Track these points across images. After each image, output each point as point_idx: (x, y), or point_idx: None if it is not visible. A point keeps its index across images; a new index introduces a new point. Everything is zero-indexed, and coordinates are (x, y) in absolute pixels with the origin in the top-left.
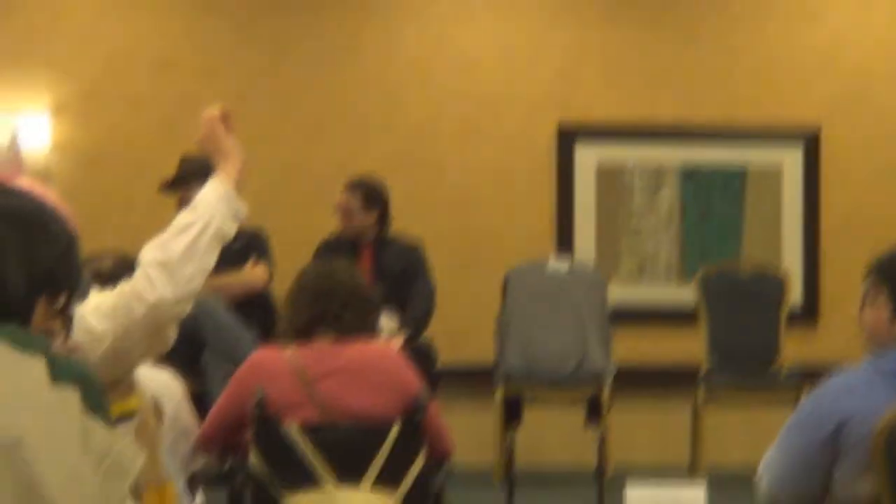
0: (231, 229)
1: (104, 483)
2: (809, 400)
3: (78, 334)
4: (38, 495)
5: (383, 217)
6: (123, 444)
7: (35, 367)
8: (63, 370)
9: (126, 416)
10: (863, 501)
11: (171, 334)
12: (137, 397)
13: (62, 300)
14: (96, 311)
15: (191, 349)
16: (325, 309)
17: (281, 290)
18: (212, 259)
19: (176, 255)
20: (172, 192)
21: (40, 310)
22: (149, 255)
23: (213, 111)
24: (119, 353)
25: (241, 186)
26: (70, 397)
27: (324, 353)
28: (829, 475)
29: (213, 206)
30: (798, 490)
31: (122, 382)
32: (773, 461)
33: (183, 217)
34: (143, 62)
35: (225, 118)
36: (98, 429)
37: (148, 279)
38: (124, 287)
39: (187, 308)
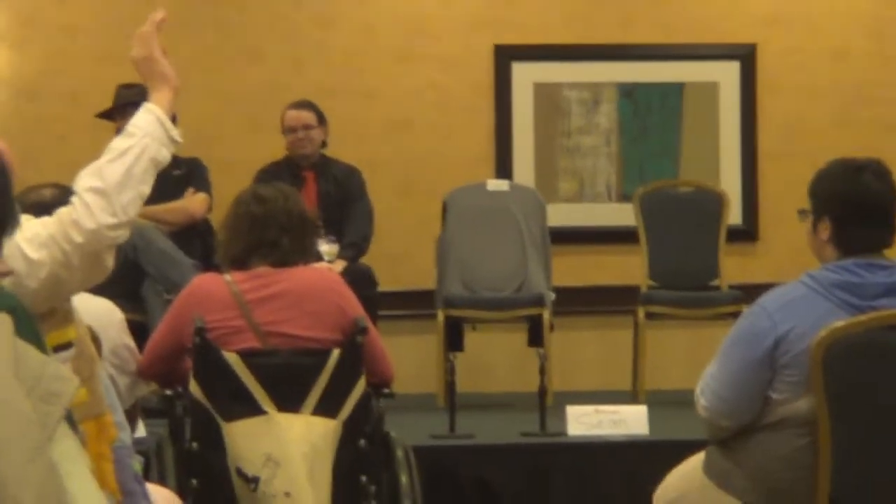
0: (166, 155)
1: (37, 406)
2: (746, 316)
3: (14, 262)
4: None
5: (325, 138)
6: (56, 368)
7: None
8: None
9: (63, 346)
10: (801, 419)
11: (109, 262)
12: (74, 327)
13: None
14: (34, 239)
15: (130, 278)
16: (261, 236)
17: (220, 218)
18: (148, 185)
19: (112, 182)
20: (109, 121)
21: None
22: (85, 181)
23: (154, 16)
24: (57, 281)
25: (175, 110)
26: (2, 321)
27: (262, 280)
28: (766, 392)
29: (148, 132)
30: (737, 406)
31: (58, 311)
32: (711, 378)
33: (118, 142)
34: None
35: (160, 25)
36: (30, 354)
37: (85, 206)
38: (61, 215)
39: (125, 235)
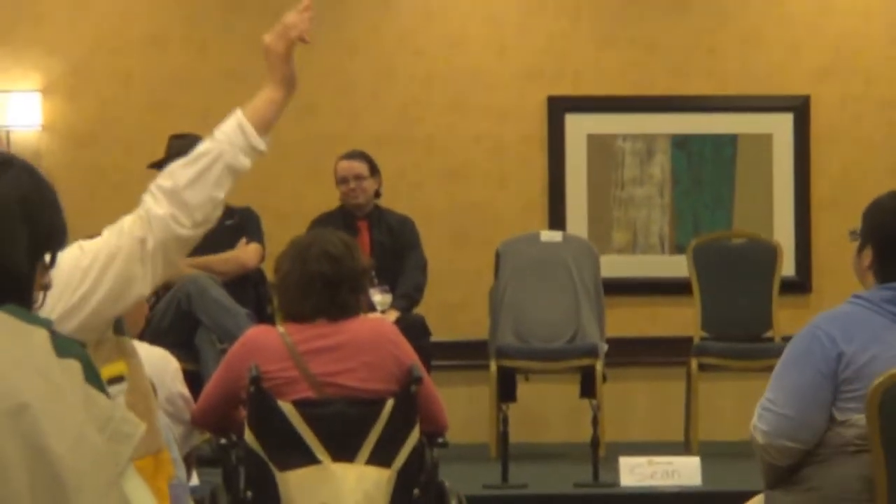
0: (245, 163)
1: (108, 445)
2: (800, 339)
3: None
4: (47, 459)
5: (379, 188)
6: (124, 412)
7: (40, 337)
8: (63, 345)
9: (115, 380)
10: (862, 442)
11: (177, 260)
12: (126, 361)
13: (49, 258)
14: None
15: (184, 328)
16: (332, 298)
17: (272, 267)
18: (222, 190)
19: (182, 182)
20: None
21: (40, 269)
22: (157, 181)
23: (299, 28)
24: (128, 278)
25: (277, 116)
26: (73, 366)
27: (318, 331)
28: (830, 409)
29: (229, 138)
30: (802, 423)
31: (108, 343)
32: (769, 402)
33: (201, 146)
34: (132, 38)
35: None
36: (100, 397)
37: (154, 197)
38: (125, 219)
39: (194, 236)
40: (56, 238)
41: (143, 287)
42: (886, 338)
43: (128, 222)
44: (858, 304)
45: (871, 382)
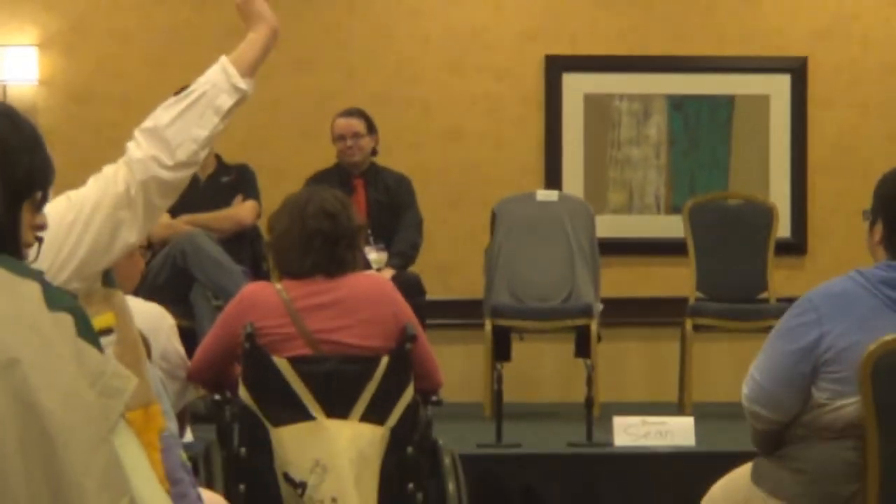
0: (227, 102)
1: (99, 400)
2: (793, 308)
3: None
4: (37, 413)
5: (376, 147)
6: (115, 366)
7: (31, 290)
8: (55, 297)
9: (103, 332)
10: (844, 425)
11: (162, 206)
12: (115, 313)
13: (39, 196)
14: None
15: (180, 284)
16: (332, 253)
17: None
18: (205, 129)
19: (164, 122)
20: None
21: (26, 214)
22: (141, 124)
23: None
24: (117, 223)
25: (264, 56)
26: (64, 320)
27: (315, 288)
28: (808, 387)
29: (211, 79)
30: (775, 396)
31: (97, 294)
32: (754, 368)
33: (186, 90)
34: None
35: None
36: (91, 351)
37: (135, 141)
38: (108, 168)
39: (175, 177)
40: (39, 179)
41: (131, 234)
42: (874, 323)
43: (111, 170)
44: (856, 280)
45: (849, 366)
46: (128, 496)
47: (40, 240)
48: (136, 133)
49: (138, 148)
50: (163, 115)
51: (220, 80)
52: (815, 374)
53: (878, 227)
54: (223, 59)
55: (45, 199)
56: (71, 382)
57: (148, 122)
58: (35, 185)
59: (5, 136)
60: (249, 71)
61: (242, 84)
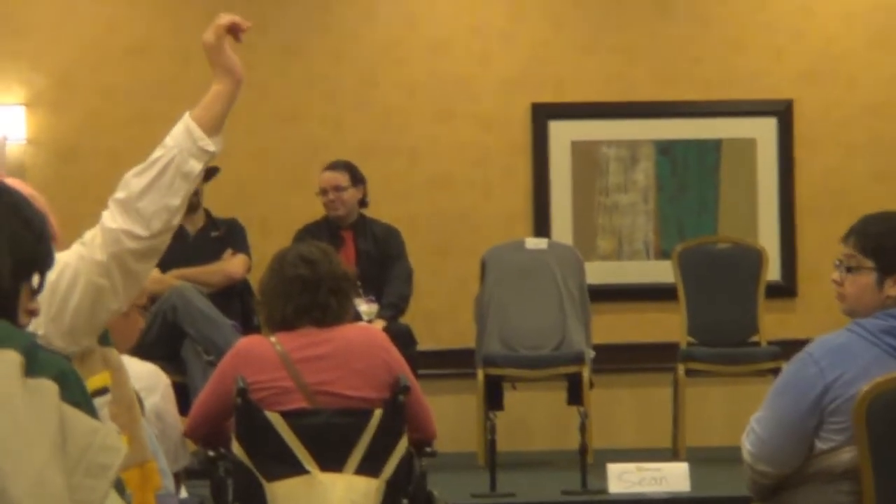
0: (195, 167)
1: (83, 482)
2: (793, 363)
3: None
4: (6, 501)
5: (364, 198)
6: (104, 437)
7: (7, 360)
8: (43, 364)
9: (99, 392)
10: (842, 470)
11: (143, 274)
12: (111, 373)
13: (36, 280)
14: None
15: (170, 339)
16: (313, 299)
17: (259, 278)
18: (177, 198)
19: (135, 191)
20: None
21: (24, 294)
22: (114, 194)
23: (231, 18)
24: (97, 290)
25: (228, 109)
26: (46, 390)
27: (309, 340)
28: (812, 440)
29: (179, 143)
30: (780, 453)
31: (94, 354)
32: (756, 422)
33: (153, 154)
34: (116, 50)
35: (236, 30)
36: (79, 422)
37: (109, 211)
38: (87, 233)
39: (150, 248)
40: (40, 264)
41: (114, 299)
42: (876, 372)
43: (89, 236)
44: (857, 332)
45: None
46: None
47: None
48: (111, 203)
49: (111, 219)
50: (133, 184)
51: (186, 143)
52: (818, 426)
53: (869, 271)
54: (187, 119)
55: (41, 287)
56: (41, 469)
57: (120, 193)
58: (36, 268)
59: (17, 228)
60: (215, 128)
61: (210, 146)
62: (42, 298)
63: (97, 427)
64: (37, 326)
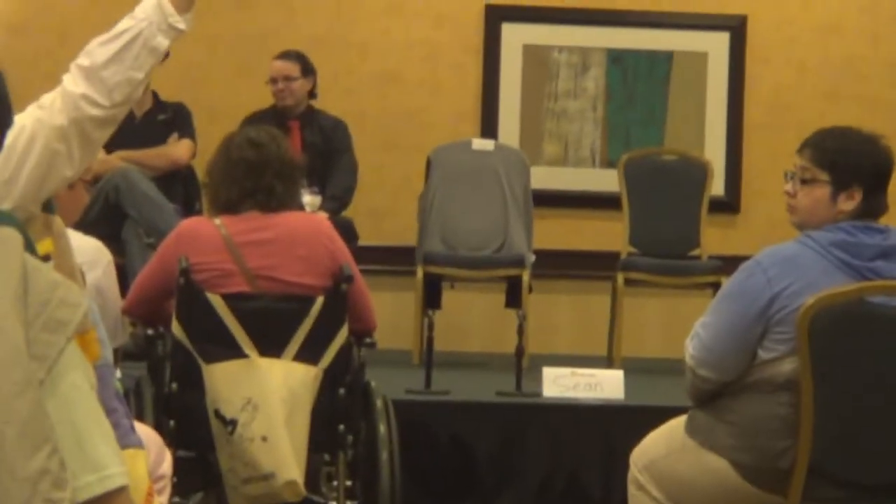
0: (163, 43)
1: (39, 336)
2: (742, 271)
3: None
4: None
5: (313, 89)
6: (65, 292)
7: None
8: (4, 216)
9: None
10: (783, 381)
11: (98, 140)
12: (53, 240)
13: None
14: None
15: (112, 220)
16: (257, 182)
17: (203, 164)
18: (141, 72)
19: (100, 61)
20: None
21: None
22: (77, 59)
23: None
24: (53, 154)
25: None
26: (10, 239)
27: (253, 224)
28: (756, 348)
29: (149, 16)
30: (722, 360)
31: (37, 220)
32: (702, 327)
33: (120, 24)
34: None
35: None
36: (41, 275)
37: (71, 76)
38: (45, 97)
39: (108, 116)
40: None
41: (69, 165)
42: (824, 284)
43: (47, 99)
44: (806, 244)
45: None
46: (50, 444)
47: None
48: (73, 68)
49: (75, 84)
50: (98, 53)
51: (156, 18)
52: (763, 335)
53: (852, 195)
54: None
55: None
56: (1, 319)
57: (83, 60)
58: None
59: None
60: (186, 6)
61: (180, 24)
62: None
63: (58, 281)
64: None
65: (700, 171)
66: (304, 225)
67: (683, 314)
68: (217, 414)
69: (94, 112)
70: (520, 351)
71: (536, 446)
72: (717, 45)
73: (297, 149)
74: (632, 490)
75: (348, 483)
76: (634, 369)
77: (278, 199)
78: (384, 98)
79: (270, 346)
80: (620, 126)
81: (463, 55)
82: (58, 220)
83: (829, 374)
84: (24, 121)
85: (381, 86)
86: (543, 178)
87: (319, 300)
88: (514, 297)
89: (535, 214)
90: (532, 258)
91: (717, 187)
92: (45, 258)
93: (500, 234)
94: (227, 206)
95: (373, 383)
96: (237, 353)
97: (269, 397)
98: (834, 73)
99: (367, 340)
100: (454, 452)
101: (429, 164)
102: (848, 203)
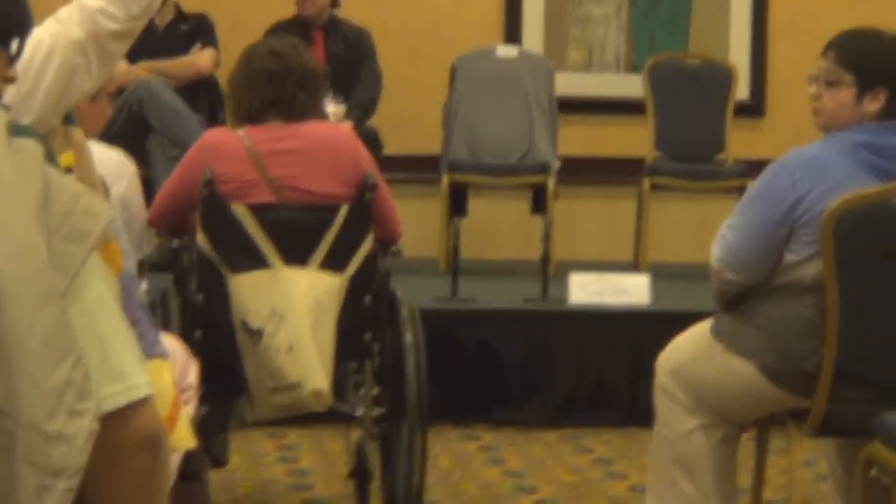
0: None
1: (62, 246)
2: (768, 173)
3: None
4: None
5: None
6: (87, 203)
7: None
8: (21, 128)
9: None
10: (809, 283)
11: (117, 53)
12: (73, 152)
13: (15, 46)
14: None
15: (136, 132)
16: (278, 92)
17: (226, 74)
18: None
19: None
20: None
21: (1, 60)
22: None
23: None
24: (72, 68)
25: None
26: (31, 150)
27: (276, 134)
28: (781, 250)
29: None
30: (747, 262)
31: (58, 133)
32: (728, 229)
33: None
34: None
35: None
36: (64, 186)
37: None
38: (62, 10)
39: (125, 30)
40: (16, 28)
41: (87, 78)
42: (849, 186)
43: (64, 13)
44: (832, 145)
45: None
46: (74, 355)
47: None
48: None
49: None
50: None
51: None
52: (788, 238)
53: (878, 97)
54: None
55: (19, 53)
56: (25, 231)
57: None
58: (12, 34)
59: None
60: None
61: None
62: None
63: (80, 192)
64: (5, 99)
65: (725, 75)
66: (328, 134)
67: (709, 218)
68: (243, 324)
69: (112, 25)
70: (546, 257)
71: (563, 352)
72: None
73: (321, 58)
74: (658, 394)
75: (375, 391)
76: (660, 274)
77: (300, 108)
78: (407, 6)
79: (295, 256)
80: (645, 31)
81: None
82: (78, 132)
83: (853, 276)
84: (41, 35)
85: None
86: (568, 84)
87: (344, 209)
88: (539, 204)
89: (560, 121)
90: (557, 164)
91: (742, 91)
92: (67, 171)
93: (525, 140)
94: (250, 117)
95: (399, 292)
96: (262, 263)
97: (294, 307)
98: None
99: (393, 249)
100: (481, 360)
101: (453, 72)
102: (873, 104)
